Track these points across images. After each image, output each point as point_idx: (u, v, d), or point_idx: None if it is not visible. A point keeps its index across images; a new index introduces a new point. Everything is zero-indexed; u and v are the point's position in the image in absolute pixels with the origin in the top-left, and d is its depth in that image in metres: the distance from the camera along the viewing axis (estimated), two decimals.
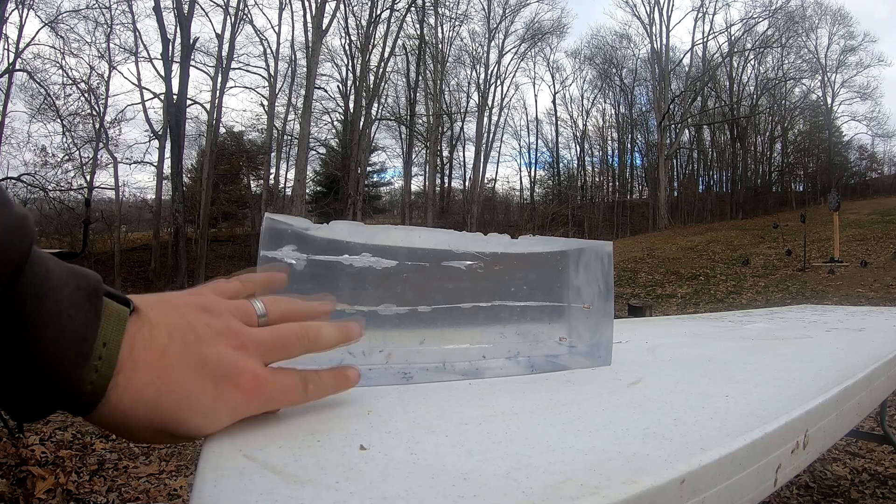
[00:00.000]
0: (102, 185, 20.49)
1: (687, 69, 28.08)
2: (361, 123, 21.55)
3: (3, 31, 15.83)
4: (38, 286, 0.26)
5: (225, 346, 0.34)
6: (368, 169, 27.42)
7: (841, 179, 27.57)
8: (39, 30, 19.04)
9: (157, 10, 15.88)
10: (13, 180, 16.11)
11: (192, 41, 16.72)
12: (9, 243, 0.25)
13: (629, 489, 0.30)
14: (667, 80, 26.49)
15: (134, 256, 20.28)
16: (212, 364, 0.33)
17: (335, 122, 25.17)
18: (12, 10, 16.01)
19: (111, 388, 0.29)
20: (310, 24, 19.20)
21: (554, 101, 34.94)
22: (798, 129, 29.87)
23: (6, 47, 16.52)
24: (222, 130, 22.40)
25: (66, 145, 17.95)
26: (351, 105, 22.52)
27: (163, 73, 16.78)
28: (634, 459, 0.34)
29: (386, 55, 22.43)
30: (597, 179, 32.89)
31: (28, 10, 16.83)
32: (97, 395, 0.28)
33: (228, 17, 20.28)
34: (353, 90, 22.75)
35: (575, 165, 32.80)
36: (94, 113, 19.06)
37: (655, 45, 27.60)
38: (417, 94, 25.07)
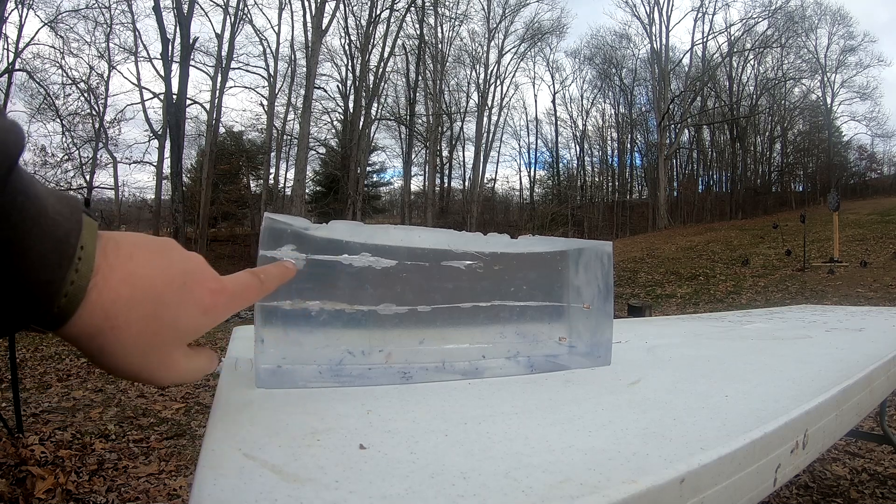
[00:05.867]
0: (102, 185, 20.55)
1: (687, 69, 28.13)
2: (361, 123, 21.55)
3: (3, 31, 15.83)
4: (26, 187, 0.27)
5: (187, 253, 0.37)
6: (368, 169, 27.43)
7: (841, 179, 27.57)
8: (39, 29, 19.17)
9: (157, 9, 15.88)
10: None
11: (191, 41, 16.70)
12: (5, 141, 0.25)
13: (629, 488, 0.30)
14: (666, 80, 26.50)
15: None
16: (177, 264, 0.35)
17: (335, 122, 25.21)
18: (12, 10, 16.01)
19: (91, 287, 0.29)
20: (309, 24, 19.21)
21: (553, 101, 35.06)
22: (798, 129, 29.90)
23: (6, 47, 16.54)
24: (222, 130, 22.43)
25: (65, 145, 17.95)
26: (351, 105, 22.55)
27: (162, 72, 16.79)
28: (634, 459, 0.34)
29: (386, 55, 22.45)
30: (596, 179, 32.94)
31: (28, 10, 16.85)
32: (78, 296, 0.29)
33: (228, 16, 20.30)
34: (352, 90, 22.78)
35: (575, 165, 32.88)
36: (94, 113, 19.07)
37: (655, 45, 27.65)
38: (417, 94, 25.09)
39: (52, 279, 0.27)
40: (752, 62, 27.65)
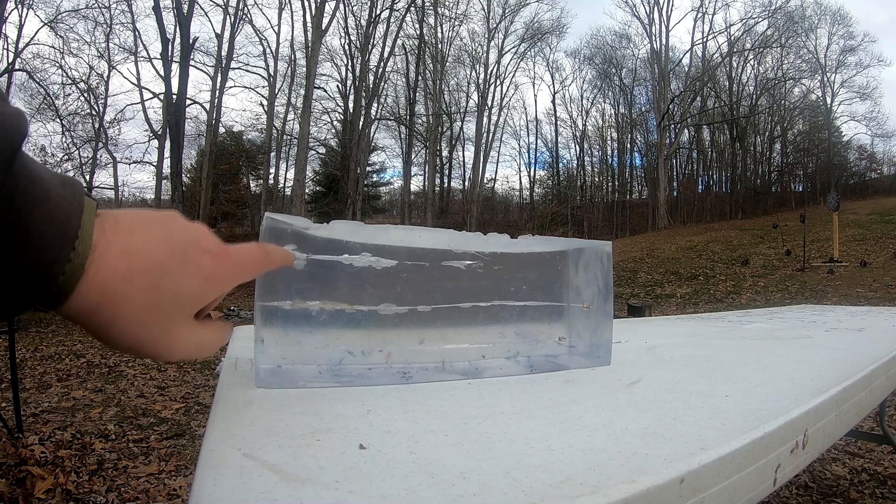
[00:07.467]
0: (102, 185, 20.56)
1: (686, 69, 28.14)
2: (361, 123, 21.54)
3: (3, 31, 15.83)
4: (29, 171, 0.28)
5: (189, 223, 0.37)
6: (368, 169, 27.42)
7: (840, 179, 27.58)
8: (39, 29, 19.18)
9: (157, 9, 15.86)
10: None
11: (191, 41, 16.70)
12: (9, 126, 0.26)
13: (629, 488, 0.30)
14: (666, 80, 26.51)
15: None
16: (178, 235, 0.35)
17: (335, 122, 25.21)
18: (12, 10, 16.01)
19: (89, 264, 0.30)
20: (309, 24, 19.20)
21: (553, 101, 35.02)
22: (798, 129, 29.92)
23: (6, 47, 16.54)
24: (222, 130, 22.45)
25: (65, 145, 17.99)
26: (350, 105, 22.54)
27: (162, 72, 16.78)
28: (634, 459, 0.34)
29: (385, 55, 22.44)
30: (596, 179, 32.95)
31: (28, 10, 16.85)
32: (76, 273, 0.29)
33: (228, 16, 20.31)
34: (352, 90, 22.77)
35: (574, 165, 32.91)
36: (94, 113, 19.09)
37: (655, 45, 27.66)
38: (417, 94, 25.10)
39: (53, 259, 0.28)
40: (751, 62, 27.70)
